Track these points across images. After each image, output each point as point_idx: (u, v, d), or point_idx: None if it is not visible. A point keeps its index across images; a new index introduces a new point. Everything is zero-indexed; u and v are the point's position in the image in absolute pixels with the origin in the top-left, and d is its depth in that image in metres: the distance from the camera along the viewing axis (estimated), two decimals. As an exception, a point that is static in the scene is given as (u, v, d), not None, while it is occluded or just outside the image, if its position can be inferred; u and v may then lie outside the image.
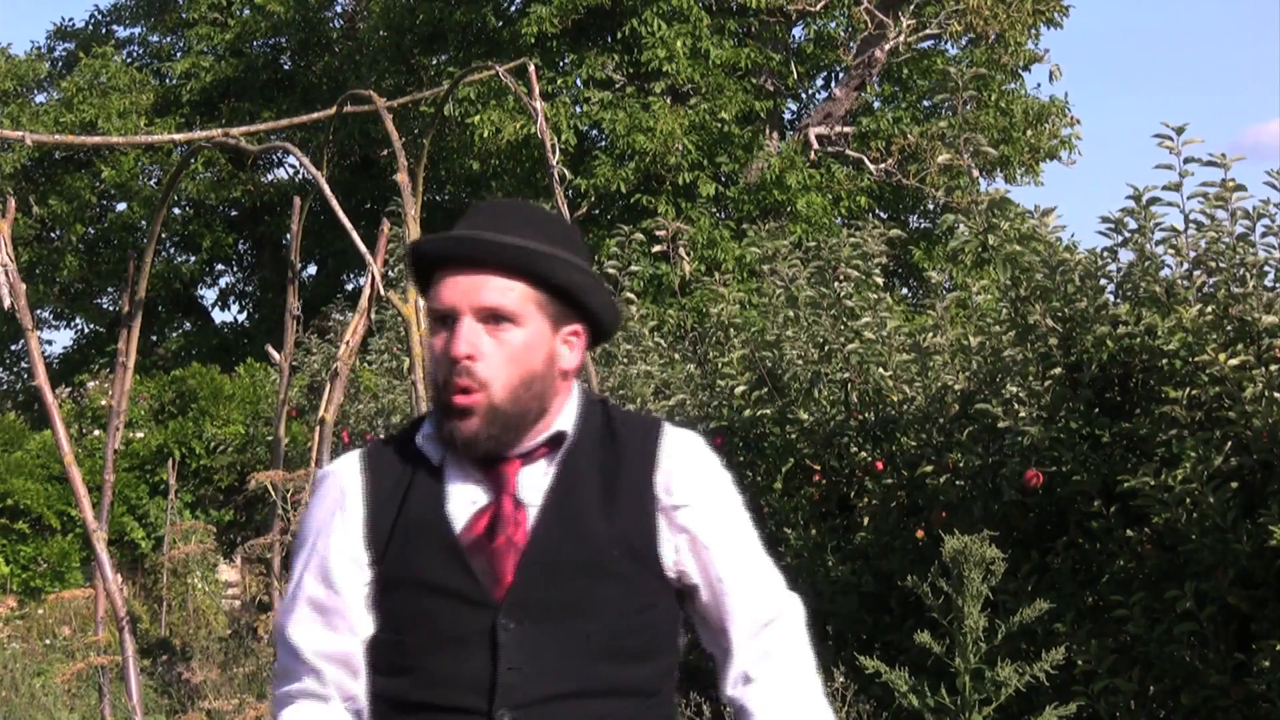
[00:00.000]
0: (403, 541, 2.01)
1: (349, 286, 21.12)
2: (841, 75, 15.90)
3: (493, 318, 1.97)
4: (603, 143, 15.63)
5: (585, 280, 2.03)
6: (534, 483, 2.02)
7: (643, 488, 2.04)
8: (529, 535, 1.99)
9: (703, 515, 2.07)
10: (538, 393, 2.00)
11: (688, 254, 13.53)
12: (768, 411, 5.74)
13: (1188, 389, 4.34)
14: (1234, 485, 4.20)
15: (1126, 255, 4.69)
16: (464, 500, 2.02)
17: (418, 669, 2.00)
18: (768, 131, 15.60)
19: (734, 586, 2.08)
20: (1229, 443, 4.24)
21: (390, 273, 7.55)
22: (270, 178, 21.73)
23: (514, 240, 1.97)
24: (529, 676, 1.96)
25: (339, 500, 2.07)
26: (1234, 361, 4.19)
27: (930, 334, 5.51)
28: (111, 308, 21.81)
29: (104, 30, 23.25)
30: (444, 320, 1.99)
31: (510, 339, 1.97)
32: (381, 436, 2.22)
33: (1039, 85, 36.81)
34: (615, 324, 2.12)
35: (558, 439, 2.04)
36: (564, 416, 2.05)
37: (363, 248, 5.40)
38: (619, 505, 2.03)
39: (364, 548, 2.04)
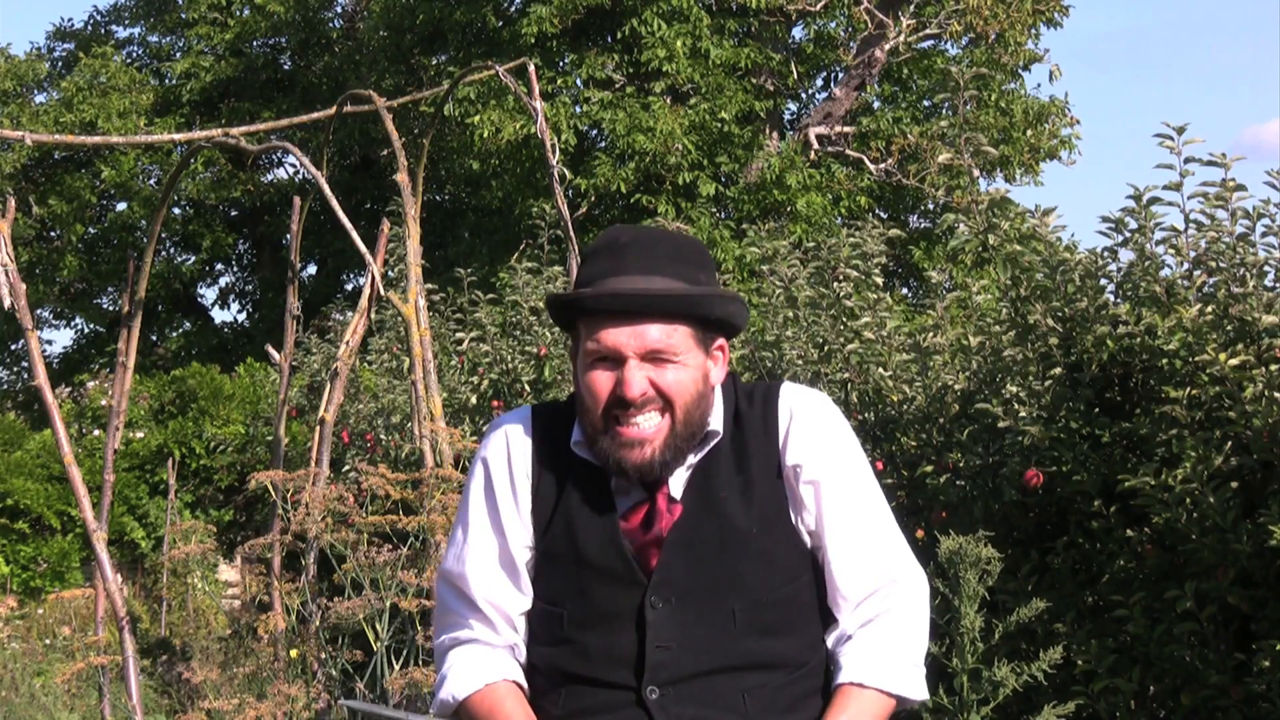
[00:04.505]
0: (564, 519, 2.12)
1: (349, 286, 21.14)
2: (841, 75, 15.90)
3: (655, 355, 2.07)
4: (603, 143, 15.63)
5: (734, 308, 2.14)
6: (681, 477, 2.13)
7: (770, 457, 2.14)
8: (673, 523, 2.09)
9: (819, 473, 2.14)
10: (701, 411, 2.11)
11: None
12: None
13: (1188, 389, 4.34)
14: (1234, 485, 4.20)
15: (1127, 255, 4.68)
16: (620, 494, 2.12)
17: (573, 641, 2.09)
18: (768, 131, 15.59)
19: (843, 549, 2.14)
20: (1229, 443, 4.23)
21: (390, 273, 7.55)
22: (270, 178, 21.76)
23: (675, 289, 2.07)
24: (677, 654, 2.05)
25: (507, 461, 2.18)
26: (1234, 361, 4.18)
27: (930, 334, 5.51)
28: (111, 308, 21.83)
29: (104, 30, 23.26)
30: (603, 360, 2.08)
31: (674, 373, 2.07)
32: (540, 404, 2.33)
33: (1039, 85, 36.95)
34: (746, 323, 2.22)
35: (706, 436, 2.14)
36: (714, 418, 2.15)
37: (363, 248, 5.40)
38: (753, 481, 2.12)
39: (531, 515, 2.15)
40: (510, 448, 2.18)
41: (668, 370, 2.07)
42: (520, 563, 2.15)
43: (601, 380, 2.07)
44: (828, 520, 2.13)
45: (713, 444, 2.13)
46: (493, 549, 2.15)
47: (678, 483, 2.12)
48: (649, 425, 2.07)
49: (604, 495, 2.11)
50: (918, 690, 2.14)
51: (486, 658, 2.15)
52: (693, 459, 2.13)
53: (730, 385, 2.20)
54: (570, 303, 2.10)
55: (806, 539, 2.14)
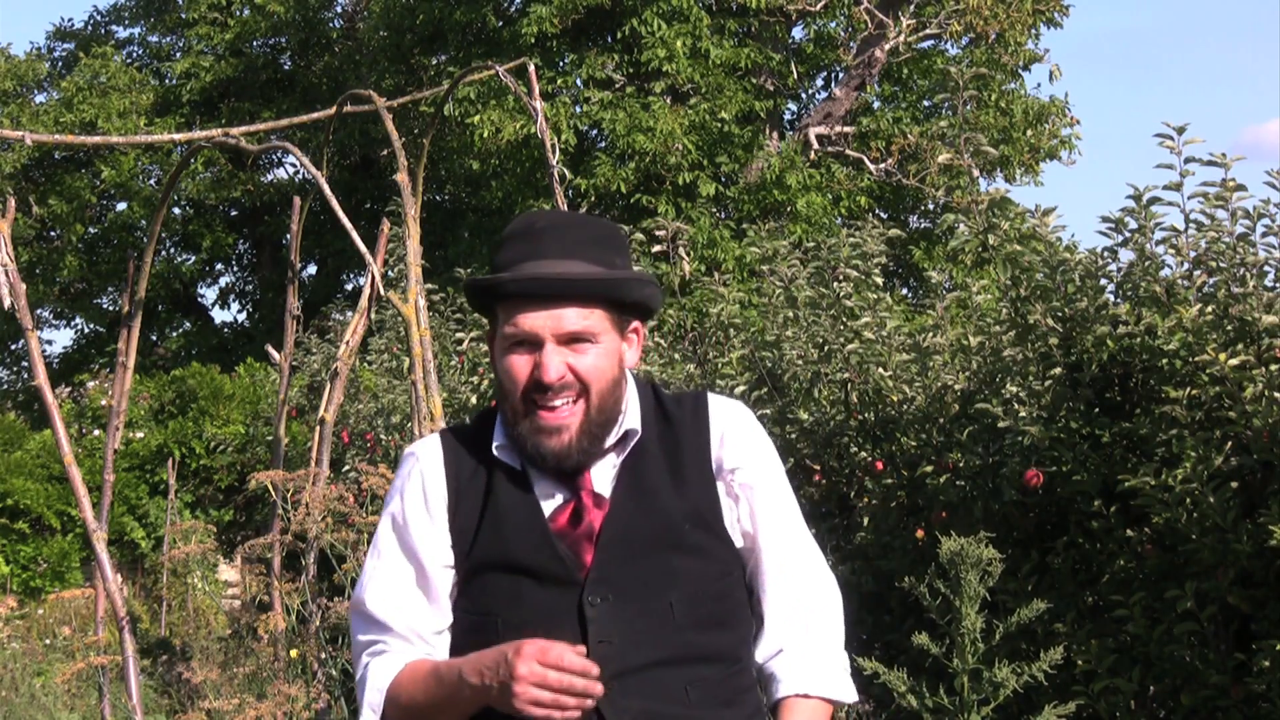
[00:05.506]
0: (493, 528, 2.12)
1: (349, 286, 21.15)
2: (841, 75, 15.90)
3: (572, 339, 2.08)
4: (603, 143, 15.63)
5: (649, 291, 2.15)
6: (606, 476, 2.14)
7: (702, 458, 2.16)
8: (604, 519, 2.10)
9: (754, 479, 2.18)
10: (617, 397, 2.13)
11: (688, 254, 13.52)
12: (767, 411, 5.74)
13: (1188, 389, 4.34)
14: (1234, 485, 4.20)
15: (1127, 255, 4.68)
16: (545, 497, 2.13)
17: None
18: (768, 131, 15.59)
19: (776, 555, 2.18)
20: (1229, 443, 4.24)
21: (390, 273, 7.55)
22: (270, 178, 21.78)
23: (593, 273, 2.09)
24: (619, 648, 2.05)
25: (420, 484, 2.17)
26: (1234, 361, 4.18)
27: (930, 334, 5.51)
28: (111, 308, 21.84)
29: (104, 30, 23.27)
30: (521, 344, 2.09)
31: (592, 357, 2.09)
32: (449, 426, 2.31)
33: (1039, 85, 36.95)
34: (660, 305, 2.23)
35: (625, 435, 2.15)
36: (630, 413, 2.17)
37: (363, 248, 5.40)
38: (685, 480, 2.14)
39: (449, 532, 2.14)
40: (424, 471, 2.18)
41: (585, 355, 2.09)
42: (436, 582, 2.14)
43: (519, 364, 2.09)
44: (763, 526, 2.17)
45: (635, 441, 2.15)
46: (405, 572, 2.15)
47: (603, 480, 2.13)
48: (566, 410, 2.08)
49: (529, 498, 2.12)
50: (851, 694, 2.19)
51: (402, 656, 2.14)
52: (616, 458, 2.14)
53: (649, 388, 2.23)
54: (489, 287, 2.12)
55: (738, 539, 2.17)
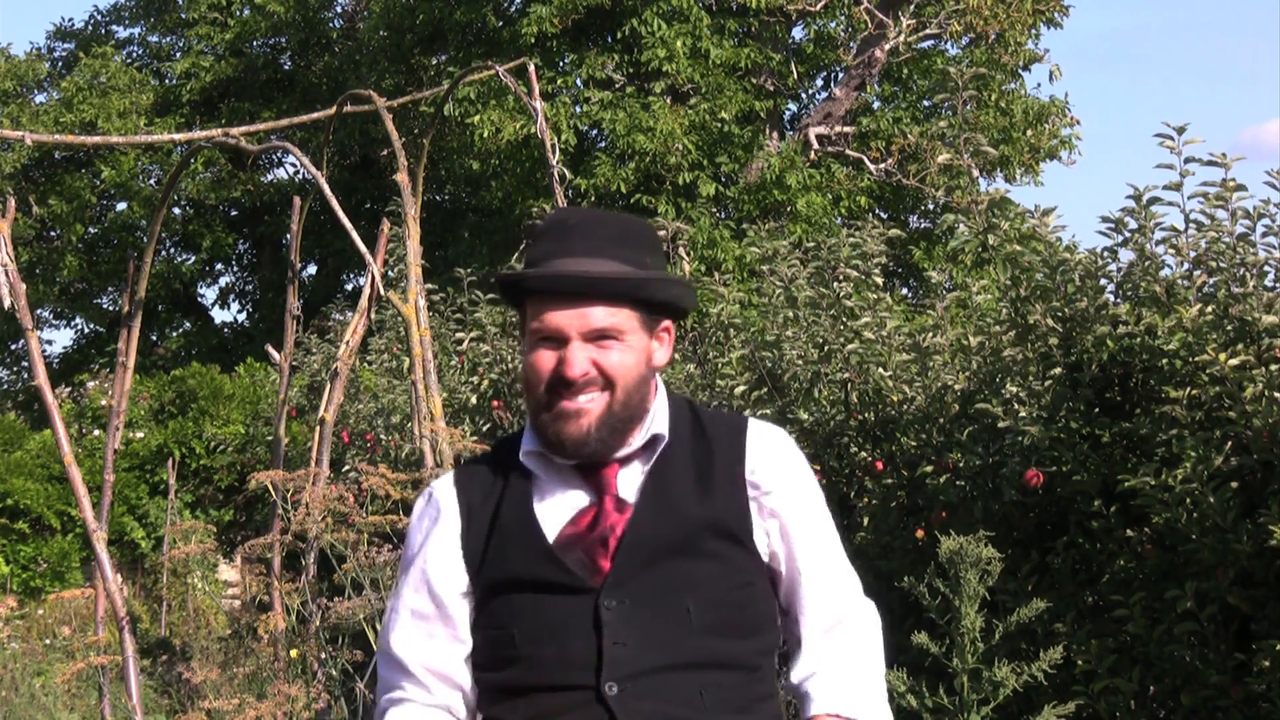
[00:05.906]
0: (499, 547, 2.13)
1: (349, 286, 21.14)
2: (841, 75, 15.90)
3: (599, 336, 2.09)
4: (603, 143, 15.62)
5: (679, 291, 2.16)
6: (632, 482, 2.14)
7: (734, 475, 2.16)
8: (626, 524, 2.10)
9: (789, 503, 2.17)
10: (643, 395, 2.14)
11: (688, 254, 13.52)
12: (767, 411, 5.74)
13: (1188, 389, 4.34)
14: (1234, 485, 4.20)
15: (1127, 255, 4.68)
16: (564, 504, 2.13)
17: (526, 657, 2.09)
18: (768, 131, 15.59)
19: (813, 578, 2.18)
20: (1229, 443, 4.24)
21: (390, 273, 7.55)
22: (270, 178, 21.77)
23: (620, 271, 2.09)
24: (634, 650, 2.05)
25: (435, 517, 2.20)
26: (1234, 361, 4.18)
27: (930, 334, 5.51)
28: (111, 308, 21.83)
29: (104, 30, 23.26)
30: (547, 339, 2.10)
31: (618, 354, 2.10)
32: (465, 460, 2.32)
33: (1039, 85, 36.96)
34: (693, 306, 2.23)
35: (653, 441, 2.15)
36: (658, 419, 2.17)
37: (363, 248, 5.40)
38: (713, 491, 2.13)
39: (462, 559, 2.16)
40: (438, 502, 2.20)
41: (611, 351, 2.09)
42: (455, 613, 2.16)
43: (545, 359, 2.10)
44: (799, 548, 2.17)
45: (661, 447, 2.15)
46: (420, 609, 2.17)
47: (629, 486, 2.13)
48: (588, 401, 2.09)
49: (531, 515, 2.13)
50: (886, 719, 2.17)
51: (421, 714, 2.15)
52: (643, 465, 2.14)
53: (685, 403, 2.24)
54: (515, 283, 2.13)
55: (765, 554, 2.16)
